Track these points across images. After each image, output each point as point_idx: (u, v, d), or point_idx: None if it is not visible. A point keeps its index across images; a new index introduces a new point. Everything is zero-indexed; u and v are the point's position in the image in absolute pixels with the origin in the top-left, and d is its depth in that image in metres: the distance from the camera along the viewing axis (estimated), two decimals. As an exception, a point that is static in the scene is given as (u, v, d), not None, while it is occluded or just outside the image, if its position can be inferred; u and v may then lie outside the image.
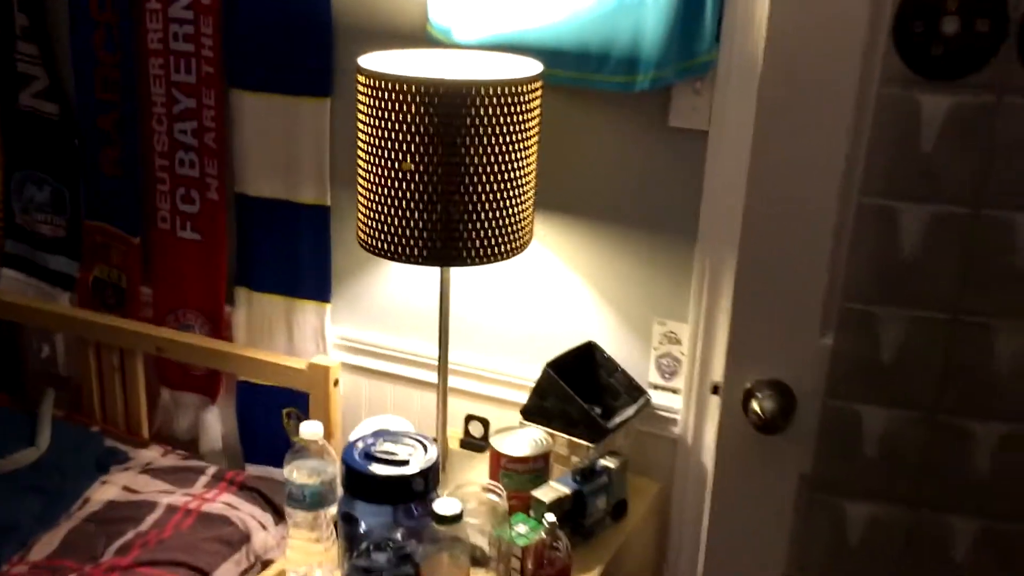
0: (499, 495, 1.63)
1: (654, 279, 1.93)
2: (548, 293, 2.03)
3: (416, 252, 1.66)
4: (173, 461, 2.27)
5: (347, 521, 1.54)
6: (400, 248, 1.66)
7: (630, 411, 1.87)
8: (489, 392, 2.12)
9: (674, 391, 1.97)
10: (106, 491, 2.11)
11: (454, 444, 2.07)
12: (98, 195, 2.42)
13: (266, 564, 1.98)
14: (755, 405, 1.51)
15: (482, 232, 1.67)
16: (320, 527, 1.61)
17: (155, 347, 2.28)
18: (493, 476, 1.79)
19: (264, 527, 2.05)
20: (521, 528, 1.65)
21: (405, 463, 1.52)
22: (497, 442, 1.79)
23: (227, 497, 2.10)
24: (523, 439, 1.80)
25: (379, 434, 1.59)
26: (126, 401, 2.37)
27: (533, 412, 1.89)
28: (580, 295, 2.00)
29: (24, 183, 2.52)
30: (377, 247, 1.70)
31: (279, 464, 2.38)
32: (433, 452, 1.55)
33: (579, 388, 1.87)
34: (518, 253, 1.75)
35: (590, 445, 1.82)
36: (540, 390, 1.87)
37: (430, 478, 1.52)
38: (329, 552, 1.63)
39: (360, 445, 1.55)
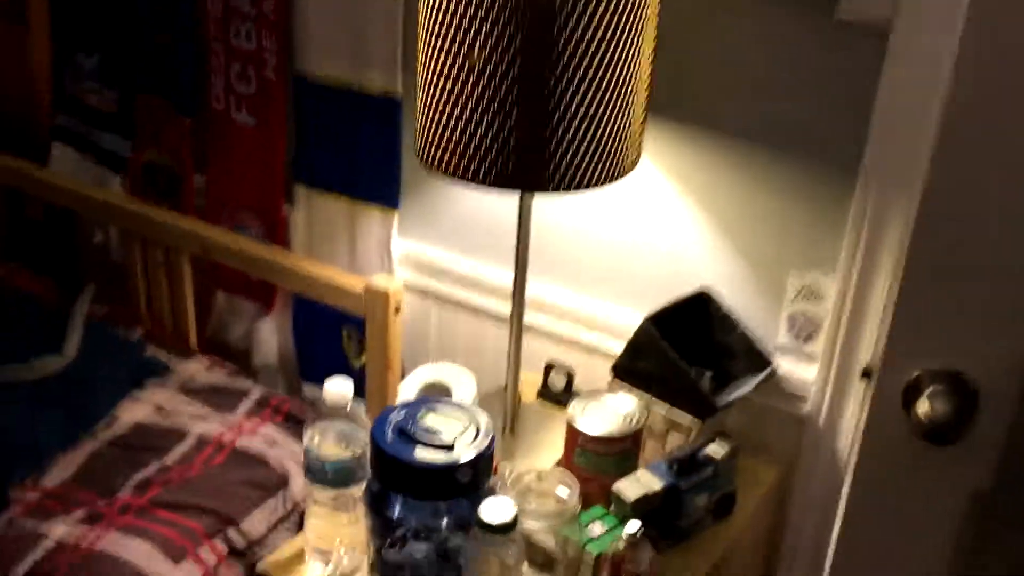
0: (571, 487, 1.28)
1: (796, 218, 1.51)
2: (656, 225, 1.63)
3: (485, 171, 1.28)
4: (217, 378, 2.00)
5: (377, 502, 1.22)
6: (464, 164, 1.29)
7: (749, 384, 1.48)
8: (578, 336, 1.75)
9: (807, 357, 1.56)
10: (136, 410, 1.87)
11: (530, 394, 1.73)
12: (148, 65, 2.10)
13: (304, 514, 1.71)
14: (923, 403, 1.14)
15: (575, 149, 1.27)
16: (347, 507, 1.30)
17: (200, 247, 1.99)
18: (567, 453, 1.44)
19: (306, 470, 1.77)
20: (596, 528, 1.31)
21: (449, 448, 1.18)
22: (577, 409, 1.43)
23: (268, 430, 1.83)
24: (609, 409, 1.44)
25: (423, 403, 1.25)
26: (173, 302, 2.11)
27: (626, 372, 1.52)
28: (696, 231, 1.60)
29: (74, 51, 2.23)
30: (436, 160, 1.32)
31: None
32: (487, 433, 1.21)
33: (687, 347, 1.49)
34: (621, 178, 1.35)
35: (693, 424, 1.45)
36: (636, 347, 1.50)
37: (480, 469, 1.19)
38: (357, 527, 1.32)
39: (396, 418, 1.22)
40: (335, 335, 2.03)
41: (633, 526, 1.23)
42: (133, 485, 1.69)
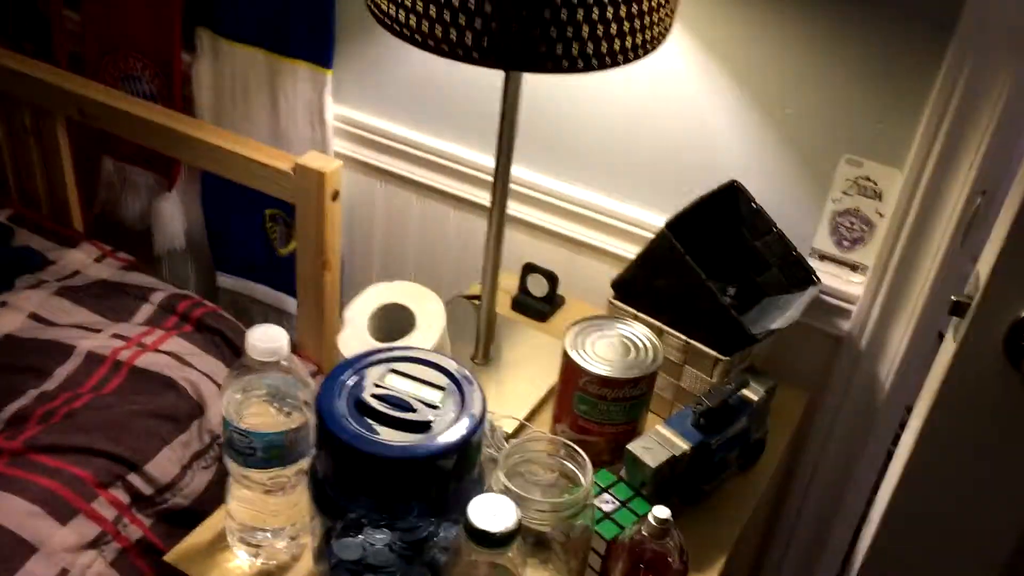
0: (581, 461, 0.98)
1: (856, 90, 1.17)
2: (676, 106, 1.27)
3: (457, 39, 0.90)
4: (109, 272, 1.62)
5: (323, 491, 0.90)
6: (428, 29, 0.90)
7: (793, 308, 1.18)
8: (563, 230, 1.42)
9: (852, 267, 1.26)
10: (5, 319, 1.49)
11: (502, 304, 1.40)
12: None
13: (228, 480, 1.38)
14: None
15: (588, 15, 0.90)
16: (282, 487, 0.98)
17: (76, 109, 1.56)
18: (564, 397, 1.13)
19: (225, 393, 1.43)
20: (606, 502, 1.02)
21: (424, 427, 0.85)
22: (576, 340, 1.12)
23: (175, 343, 1.47)
24: (614, 340, 1.13)
25: (383, 359, 0.91)
26: (48, 176, 1.70)
27: (632, 291, 1.20)
28: (727, 114, 1.25)
29: None
30: (393, 20, 0.94)
31: (259, 279, 1.76)
32: (476, 405, 0.88)
33: (710, 254, 1.18)
34: (647, 53, 0.99)
35: (720, 357, 1.15)
36: (650, 259, 1.17)
37: (468, 453, 0.87)
38: (297, 508, 1.01)
39: (350, 382, 0.88)
40: (255, 216, 1.66)
41: (662, 511, 0.94)
42: (5, 420, 1.34)
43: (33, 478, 1.25)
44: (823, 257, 1.27)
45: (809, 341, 1.31)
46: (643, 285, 1.18)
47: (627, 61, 0.95)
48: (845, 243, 1.25)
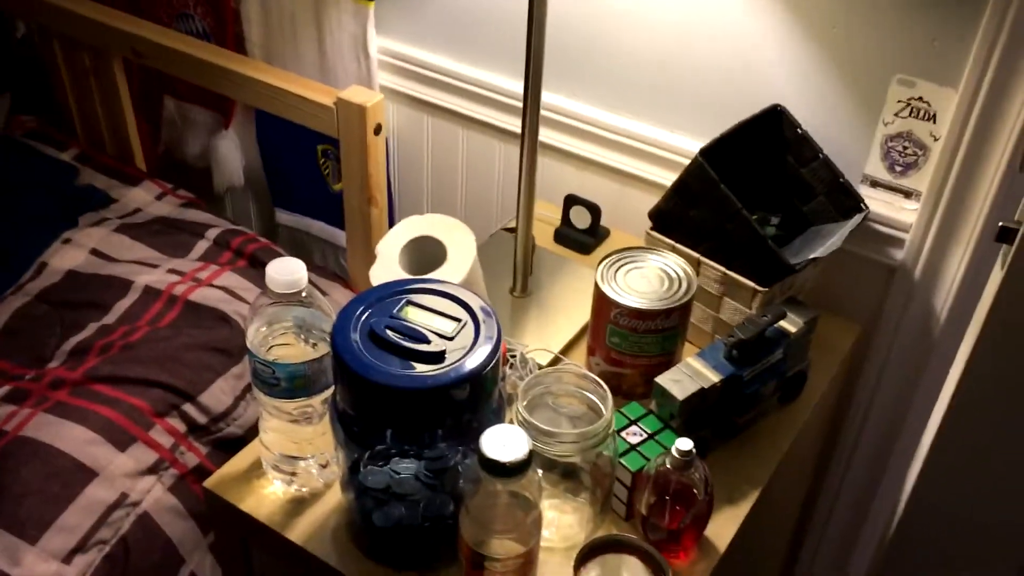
0: (602, 392, 0.97)
1: (908, 5, 1.10)
2: (717, 29, 1.22)
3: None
4: (168, 209, 1.67)
5: (346, 422, 0.92)
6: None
7: (835, 236, 1.14)
8: (608, 161, 1.39)
9: (906, 194, 1.21)
10: (68, 255, 1.54)
11: (545, 235, 1.39)
12: None
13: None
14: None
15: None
16: (309, 418, 1.00)
17: (130, 49, 1.59)
18: (597, 329, 1.12)
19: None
20: (634, 434, 1.01)
21: (438, 357, 0.85)
22: (608, 272, 1.10)
23: (229, 278, 1.51)
24: (650, 272, 1.11)
25: (400, 291, 0.92)
26: (109, 114, 1.74)
27: (670, 222, 1.18)
28: (772, 34, 1.19)
29: None
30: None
31: (315, 214, 1.78)
32: (491, 334, 0.88)
33: (750, 183, 1.14)
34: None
35: (758, 289, 1.12)
36: (684, 189, 1.14)
37: (483, 384, 0.87)
38: (326, 437, 1.03)
39: (365, 315, 0.88)
40: (309, 152, 1.68)
41: (685, 444, 0.93)
42: (67, 352, 1.40)
43: (93, 407, 1.31)
44: (875, 183, 1.22)
45: (861, 272, 1.27)
46: (679, 215, 1.15)
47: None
48: (897, 168, 1.19)
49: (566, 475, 1.00)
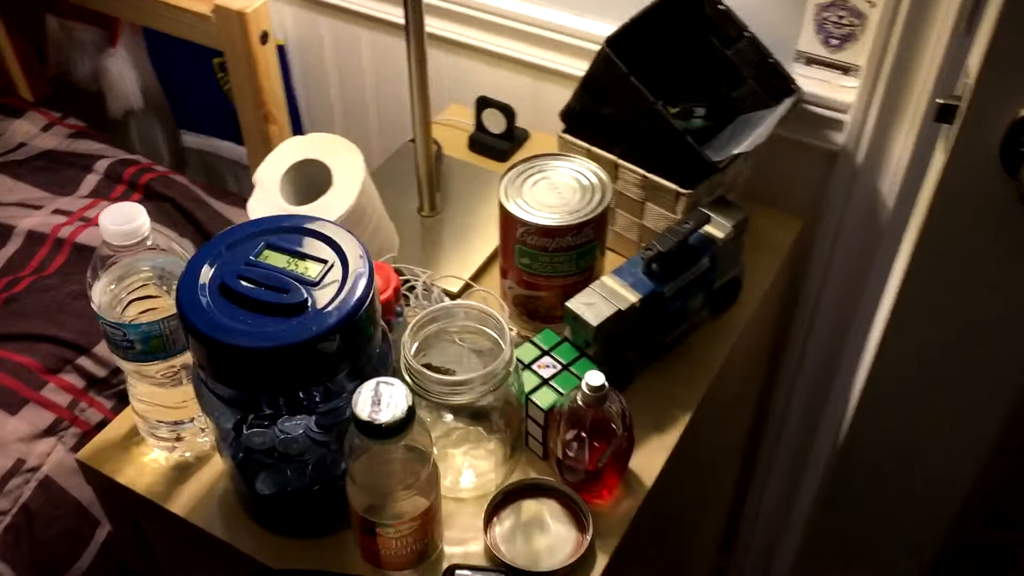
0: (500, 325, 0.86)
1: None
2: None
3: None
4: (57, 141, 1.52)
5: (207, 388, 0.81)
6: None
7: (763, 126, 1.01)
8: (525, 56, 1.25)
9: (843, 70, 1.08)
10: (-55, 201, 1.41)
11: (457, 145, 1.26)
12: None
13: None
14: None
15: None
16: (179, 379, 0.89)
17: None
18: (505, 250, 1.01)
19: (177, 264, 1.35)
20: (547, 367, 0.91)
21: (299, 308, 0.74)
22: (511, 186, 0.98)
23: (121, 214, 1.38)
24: (558, 182, 0.99)
25: (258, 231, 0.79)
26: (-15, 41, 1.58)
27: (582, 122, 1.05)
28: None
29: None
30: None
31: (222, 134, 1.64)
32: (362, 271, 0.76)
33: (673, 70, 1.01)
34: None
35: (681, 191, 1.00)
36: (592, 83, 1.01)
37: (358, 331, 0.76)
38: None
39: (217, 263, 0.76)
40: (204, 66, 1.53)
41: (595, 378, 0.83)
42: (-53, 310, 1.28)
43: (-23, 369, 1.20)
44: (810, 60, 1.09)
45: (800, 160, 1.15)
46: (591, 114, 1.02)
47: None
48: (832, 41, 1.06)
49: (476, 416, 0.90)
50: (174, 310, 0.85)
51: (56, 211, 1.37)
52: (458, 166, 1.22)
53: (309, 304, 0.75)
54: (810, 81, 1.08)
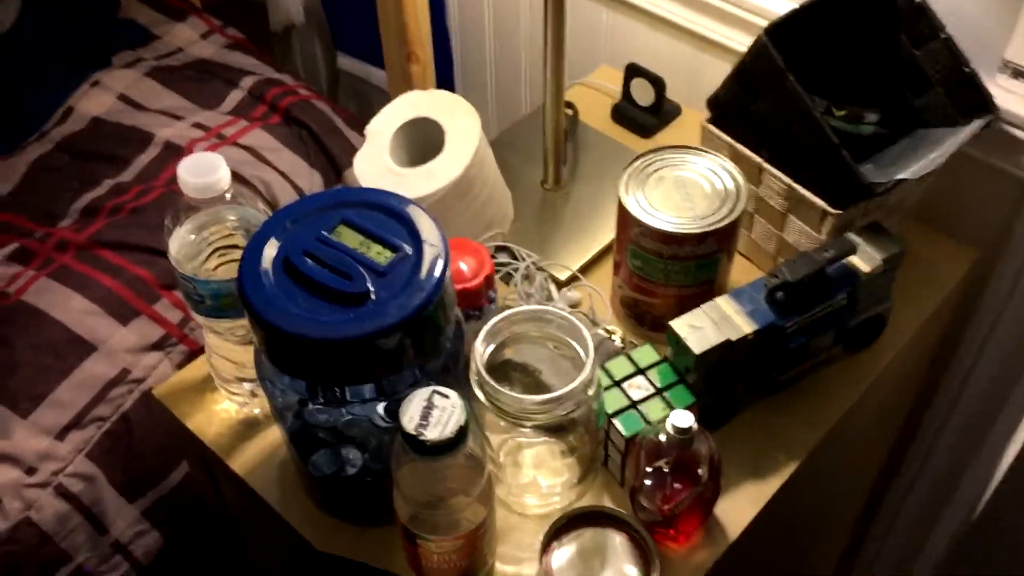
0: (581, 339, 0.77)
1: None
2: None
3: None
4: (212, 50, 1.51)
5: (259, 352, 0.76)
6: None
7: (941, 148, 0.86)
8: (685, 22, 1.13)
9: (1055, 90, 0.91)
10: (95, 100, 1.43)
11: (599, 113, 1.16)
12: None
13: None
14: None
15: None
16: (247, 338, 0.85)
17: None
18: (620, 247, 0.91)
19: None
20: (638, 388, 0.82)
21: (359, 299, 0.68)
22: (635, 179, 0.88)
23: (256, 136, 1.36)
24: (689, 180, 0.88)
25: (335, 203, 0.73)
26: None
27: (730, 114, 0.93)
28: None
29: None
30: None
31: (379, 62, 1.59)
32: (435, 271, 0.69)
33: (847, 66, 0.88)
34: None
35: (829, 210, 0.87)
36: (745, 75, 0.89)
37: (422, 331, 0.69)
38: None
39: (285, 238, 0.71)
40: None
41: (684, 419, 0.73)
42: (79, 210, 1.30)
43: (95, 275, 1.22)
44: (1018, 73, 0.92)
45: (986, 185, 0.99)
46: (740, 108, 0.90)
47: None
48: (1048, 57, 0.89)
49: (554, 430, 0.83)
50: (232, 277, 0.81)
51: (195, 124, 1.36)
52: (594, 137, 1.12)
53: (371, 296, 0.68)
54: (1012, 97, 0.92)
